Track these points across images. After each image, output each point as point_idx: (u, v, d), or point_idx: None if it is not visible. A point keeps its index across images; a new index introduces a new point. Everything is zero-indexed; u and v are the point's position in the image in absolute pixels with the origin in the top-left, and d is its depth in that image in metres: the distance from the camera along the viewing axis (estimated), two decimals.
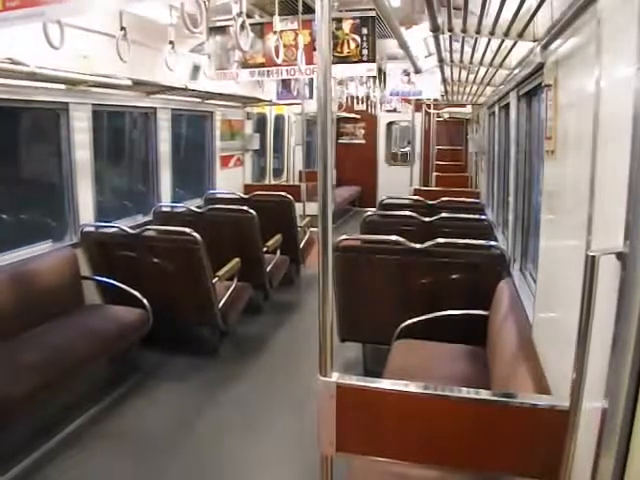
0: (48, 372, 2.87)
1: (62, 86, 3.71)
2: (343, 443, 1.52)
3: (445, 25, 2.27)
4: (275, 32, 3.77)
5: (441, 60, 3.51)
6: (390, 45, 5.58)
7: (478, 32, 2.34)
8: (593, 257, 1.13)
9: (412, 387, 1.49)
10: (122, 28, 3.26)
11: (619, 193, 1.16)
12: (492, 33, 2.34)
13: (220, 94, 5.58)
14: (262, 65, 4.41)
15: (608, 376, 1.18)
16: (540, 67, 2.44)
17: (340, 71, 4.32)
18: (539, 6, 1.89)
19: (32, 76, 3.12)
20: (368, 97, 8.49)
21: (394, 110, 10.04)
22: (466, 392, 1.48)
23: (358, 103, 8.85)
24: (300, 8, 3.96)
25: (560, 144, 1.99)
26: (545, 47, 2.17)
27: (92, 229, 4.11)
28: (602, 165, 1.40)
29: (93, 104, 4.13)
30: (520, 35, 2.31)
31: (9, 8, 2.04)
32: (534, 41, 2.38)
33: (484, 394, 1.52)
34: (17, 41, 2.95)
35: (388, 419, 1.52)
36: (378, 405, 1.51)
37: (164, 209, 5.23)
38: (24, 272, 3.47)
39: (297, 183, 7.93)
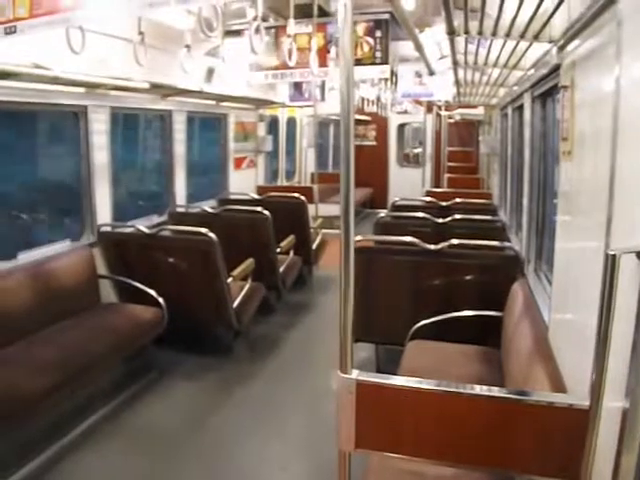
0: (64, 369, 2.91)
1: (81, 89, 3.79)
2: (361, 440, 1.53)
3: (461, 27, 2.28)
4: (289, 35, 3.80)
5: (455, 62, 3.51)
6: (402, 47, 5.59)
7: (494, 34, 2.35)
8: (613, 256, 1.13)
9: (430, 384, 1.50)
10: (140, 33, 3.32)
11: (639, 193, 1.17)
12: (508, 35, 2.35)
13: (234, 96, 5.63)
14: (276, 68, 4.45)
15: (629, 376, 1.18)
16: (556, 68, 2.43)
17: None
18: (556, 8, 1.90)
19: (55, 80, 3.19)
20: (379, 99, 8.49)
21: (405, 112, 10.03)
22: (481, 389, 1.49)
23: (368, 105, 8.84)
24: (315, 12, 3.99)
25: (577, 145, 1.99)
26: (562, 48, 2.17)
27: (109, 229, 4.16)
28: (621, 165, 1.40)
29: (111, 106, 4.20)
30: (536, 36, 2.31)
31: (36, 15, 2.11)
32: (550, 42, 2.38)
33: (501, 391, 1.52)
34: (37, 46, 3.01)
35: (406, 416, 1.53)
36: (396, 402, 1.52)
37: (179, 210, 5.28)
38: (43, 271, 3.52)
39: (309, 185, 7.95)
